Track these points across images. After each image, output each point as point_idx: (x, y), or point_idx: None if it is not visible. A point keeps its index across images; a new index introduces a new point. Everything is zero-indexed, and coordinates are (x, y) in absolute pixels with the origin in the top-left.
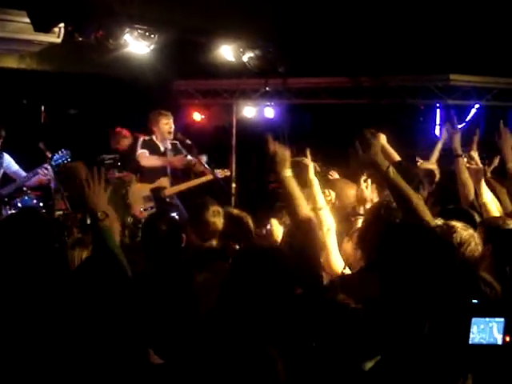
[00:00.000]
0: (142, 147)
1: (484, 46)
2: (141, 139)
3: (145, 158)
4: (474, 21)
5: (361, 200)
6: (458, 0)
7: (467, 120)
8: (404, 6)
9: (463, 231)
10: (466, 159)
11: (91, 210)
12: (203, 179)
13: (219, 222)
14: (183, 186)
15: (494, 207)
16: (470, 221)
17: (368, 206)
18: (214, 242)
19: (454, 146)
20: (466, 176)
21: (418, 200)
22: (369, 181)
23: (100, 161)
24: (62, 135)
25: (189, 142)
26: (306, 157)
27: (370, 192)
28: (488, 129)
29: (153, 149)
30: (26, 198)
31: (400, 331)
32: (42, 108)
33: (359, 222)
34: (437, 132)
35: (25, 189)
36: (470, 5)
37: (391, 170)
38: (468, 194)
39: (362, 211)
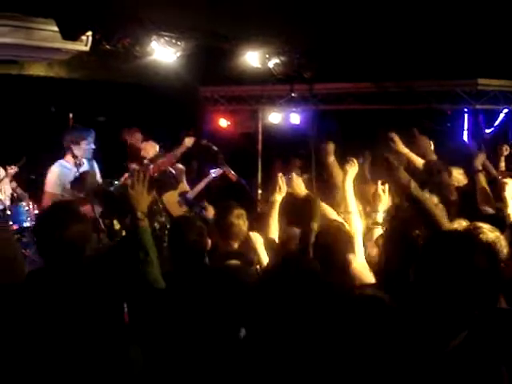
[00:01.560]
0: None
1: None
2: None
3: None
4: (502, 25)
5: (376, 202)
6: (485, 4)
7: (496, 125)
8: (431, 11)
9: (490, 233)
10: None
11: (132, 210)
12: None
13: (243, 224)
14: (200, 187)
15: None
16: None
17: (383, 208)
18: (236, 245)
19: (475, 163)
20: (482, 188)
21: (439, 212)
22: (386, 185)
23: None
24: None
25: (215, 148)
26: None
27: (386, 196)
28: None
29: None
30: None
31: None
32: (70, 115)
33: (377, 230)
34: (465, 137)
35: None
36: (498, 9)
37: (413, 185)
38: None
39: (379, 219)
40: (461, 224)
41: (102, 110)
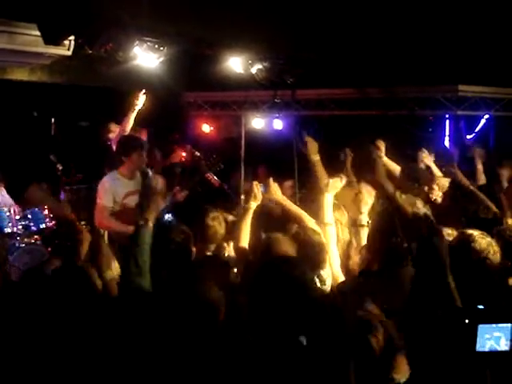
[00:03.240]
0: None
1: (492, 56)
2: None
3: None
4: (483, 31)
5: (359, 204)
6: (466, 11)
7: (476, 131)
8: (412, 18)
9: (481, 239)
10: None
11: (141, 210)
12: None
13: (219, 226)
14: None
15: None
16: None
17: (367, 209)
18: (213, 247)
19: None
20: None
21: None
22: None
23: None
24: (72, 147)
25: (197, 153)
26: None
27: (367, 197)
28: (498, 139)
29: None
30: (36, 209)
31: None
32: (53, 120)
33: (364, 231)
34: (446, 143)
35: None
36: (479, 16)
37: (398, 195)
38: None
39: (364, 221)
40: (446, 232)
41: (84, 114)
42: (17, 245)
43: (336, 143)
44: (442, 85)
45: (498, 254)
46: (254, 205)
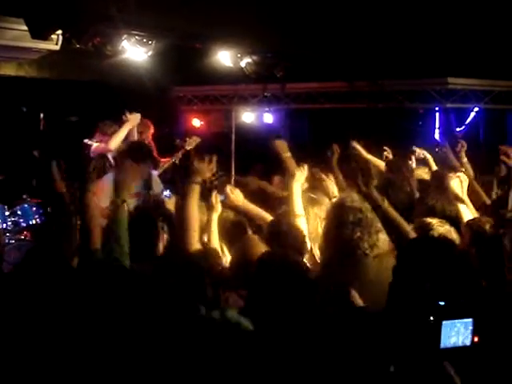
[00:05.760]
0: None
1: (481, 48)
2: None
3: None
4: (472, 24)
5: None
6: (455, 3)
7: (466, 123)
8: (401, 10)
9: (439, 227)
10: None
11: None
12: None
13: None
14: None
15: None
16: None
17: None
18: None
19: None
20: None
21: (405, 224)
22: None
23: None
24: (61, 142)
25: (187, 148)
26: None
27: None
28: (487, 132)
29: None
30: (26, 205)
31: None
32: (41, 115)
33: None
34: (436, 136)
35: (24, 196)
36: (467, 8)
37: (386, 204)
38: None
39: None
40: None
41: (73, 109)
42: (6, 241)
43: (325, 136)
44: (432, 77)
45: (457, 241)
46: (215, 216)
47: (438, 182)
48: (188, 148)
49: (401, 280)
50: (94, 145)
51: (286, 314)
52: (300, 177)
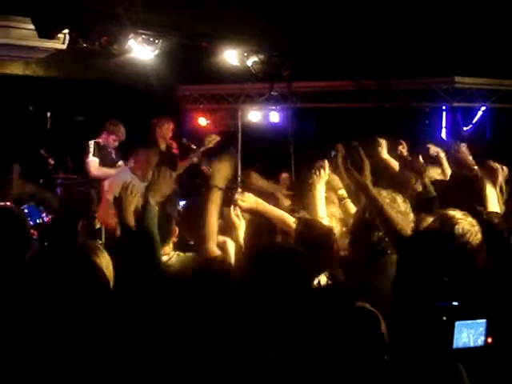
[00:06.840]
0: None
1: (488, 47)
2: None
3: None
4: (478, 23)
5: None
6: (462, 3)
7: (473, 122)
8: (408, 9)
9: (463, 221)
10: None
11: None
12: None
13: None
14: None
15: None
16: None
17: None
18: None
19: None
20: None
21: (395, 214)
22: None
23: None
24: (67, 141)
25: (194, 147)
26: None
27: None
28: (494, 131)
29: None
30: (33, 204)
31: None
32: (48, 114)
33: (347, 204)
34: (443, 135)
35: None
36: (474, 7)
37: (377, 192)
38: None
39: (344, 193)
40: (428, 221)
41: (80, 108)
42: None
43: (332, 135)
44: (439, 76)
45: (479, 234)
46: (240, 233)
47: (463, 185)
48: (208, 147)
49: (403, 276)
50: (92, 162)
51: (284, 309)
52: (319, 179)
